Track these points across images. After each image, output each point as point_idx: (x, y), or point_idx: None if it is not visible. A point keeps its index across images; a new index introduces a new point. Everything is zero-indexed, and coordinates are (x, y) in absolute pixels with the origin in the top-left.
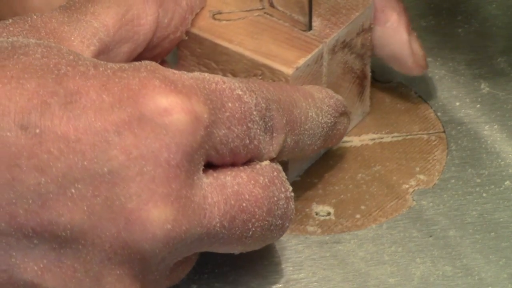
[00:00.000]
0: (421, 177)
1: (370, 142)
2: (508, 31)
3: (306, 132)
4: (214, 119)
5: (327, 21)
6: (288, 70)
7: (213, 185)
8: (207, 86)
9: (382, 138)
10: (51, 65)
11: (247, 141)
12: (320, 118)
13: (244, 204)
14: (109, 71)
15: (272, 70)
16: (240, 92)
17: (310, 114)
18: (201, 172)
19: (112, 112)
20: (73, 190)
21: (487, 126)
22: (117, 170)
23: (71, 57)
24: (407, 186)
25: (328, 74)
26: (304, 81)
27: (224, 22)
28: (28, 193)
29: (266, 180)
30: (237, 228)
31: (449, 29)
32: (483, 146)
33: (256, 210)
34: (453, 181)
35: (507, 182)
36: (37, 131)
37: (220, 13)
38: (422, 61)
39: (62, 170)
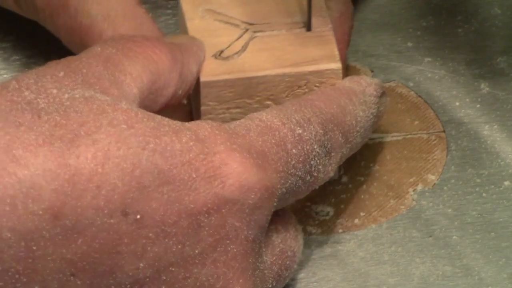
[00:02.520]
0: (421, 177)
1: (370, 142)
2: (508, 31)
3: (358, 133)
4: (284, 180)
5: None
6: (337, 65)
7: (266, 245)
8: (272, 140)
9: (382, 137)
10: (140, 136)
11: (309, 178)
12: (367, 112)
13: (287, 262)
14: (191, 144)
15: (320, 73)
16: (300, 131)
17: (359, 114)
18: (268, 232)
19: (201, 192)
20: (167, 274)
21: (487, 126)
22: (206, 251)
23: (152, 123)
24: (407, 186)
25: None
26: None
27: (234, 56)
28: (127, 278)
29: (293, 229)
30: (279, 284)
31: (449, 29)
32: (483, 146)
33: (294, 265)
34: (453, 181)
35: (507, 182)
36: (138, 216)
37: (221, 51)
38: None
39: (159, 254)
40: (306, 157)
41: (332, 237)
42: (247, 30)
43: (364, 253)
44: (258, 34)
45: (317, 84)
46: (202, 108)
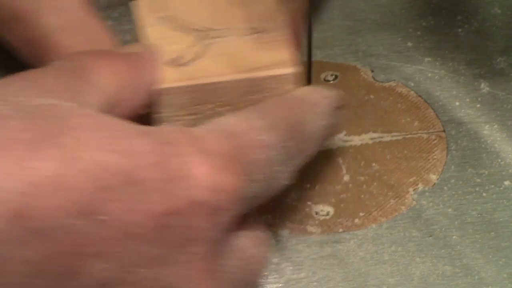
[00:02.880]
0: (421, 176)
1: (370, 142)
2: (508, 31)
3: (313, 143)
4: (250, 184)
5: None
6: (290, 70)
7: (232, 247)
8: (237, 144)
9: (382, 137)
10: (105, 139)
11: (272, 183)
12: (324, 122)
13: (253, 267)
14: (158, 146)
15: (274, 79)
16: (263, 137)
17: (315, 124)
18: (233, 235)
19: (168, 194)
20: (134, 275)
21: (487, 126)
22: (173, 252)
23: (117, 127)
24: (407, 185)
25: None
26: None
27: (190, 63)
28: (92, 280)
29: (261, 234)
30: None
31: (449, 29)
32: (483, 145)
33: (260, 270)
34: (453, 180)
35: (507, 182)
36: (103, 218)
37: (178, 58)
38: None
39: (125, 256)
40: (270, 162)
41: (332, 237)
42: (204, 36)
43: (364, 253)
44: (215, 39)
45: (273, 89)
46: (161, 115)
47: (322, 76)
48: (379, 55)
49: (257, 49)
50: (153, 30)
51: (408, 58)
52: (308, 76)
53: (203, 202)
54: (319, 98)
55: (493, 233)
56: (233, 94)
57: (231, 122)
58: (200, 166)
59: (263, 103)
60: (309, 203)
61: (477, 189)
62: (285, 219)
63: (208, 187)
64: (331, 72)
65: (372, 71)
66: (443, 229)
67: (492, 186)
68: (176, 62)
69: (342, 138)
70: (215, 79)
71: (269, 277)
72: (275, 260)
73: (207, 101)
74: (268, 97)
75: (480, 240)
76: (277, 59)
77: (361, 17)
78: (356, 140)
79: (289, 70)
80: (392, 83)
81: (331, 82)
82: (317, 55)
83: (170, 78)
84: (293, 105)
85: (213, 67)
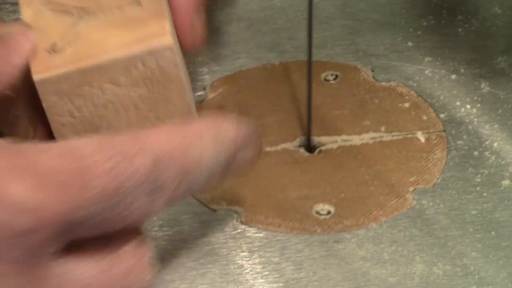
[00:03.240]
0: (421, 176)
1: (371, 141)
2: (508, 31)
3: (203, 173)
4: (79, 208)
5: None
6: (165, 40)
7: (67, 275)
8: (71, 166)
9: (382, 137)
10: None
11: (121, 211)
12: (219, 154)
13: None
14: None
15: (151, 52)
16: (113, 164)
17: (207, 154)
18: (55, 260)
19: None
20: None
21: (487, 126)
22: None
23: None
24: (407, 185)
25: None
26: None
27: (67, 47)
28: None
29: (124, 268)
30: None
31: (449, 29)
32: (483, 145)
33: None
34: (453, 180)
35: (507, 182)
36: None
37: (54, 43)
38: (198, 39)
39: None
40: (117, 190)
41: (332, 236)
42: (80, 17)
43: (365, 252)
44: (91, 19)
45: (154, 64)
46: (44, 104)
47: (323, 76)
48: (380, 55)
49: (132, 24)
50: (31, 14)
51: (408, 58)
52: (308, 76)
53: (2, 222)
54: (220, 126)
55: (493, 232)
56: (113, 73)
57: (82, 143)
58: (6, 183)
59: (143, 129)
60: (309, 202)
61: (477, 188)
62: (286, 219)
63: (9, 206)
64: (331, 72)
65: (373, 70)
66: (444, 228)
67: (492, 185)
68: (52, 48)
69: (342, 138)
70: (91, 62)
71: (269, 276)
72: (276, 259)
73: (88, 83)
74: (152, 74)
75: (480, 240)
76: (152, 32)
77: (362, 17)
78: (357, 139)
79: (164, 40)
80: (393, 83)
81: (332, 82)
82: (317, 55)
83: (46, 66)
84: (178, 132)
85: (89, 48)
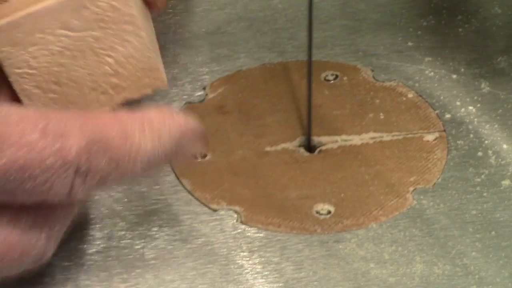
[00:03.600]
0: (422, 176)
1: (371, 141)
2: (509, 31)
3: (137, 164)
4: None
5: None
6: None
7: None
8: None
9: (382, 137)
10: None
11: (31, 187)
12: (159, 147)
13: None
14: None
15: None
16: (34, 137)
17: (146, 145)
18: None
19: None
20: None
21: (487, 126)
22: None
23: None
24: (407, 185)
25: None
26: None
27: None
28: None
29: (29, 221)
30: None
31: (449, 29)
32: (484, 145)
33: (6, 255)
34: (453, 180)
35: (507, 182)
36: None
37: None
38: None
39: None
40: (30, 165)
41: (332, 236)
42: None
43: (365, 252)
44: None
45: (105, 3)
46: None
47: (323, 76)
48: (380, 55)
49: None
50: None
51: (408, 58)
52: (308, 76)
53: None
54: (164, 120)
55: (493, 232)
56: (63, 16)
57: (15, 111)
58: None
59: (89, 112)
60: (309, 202)
61: (477, 188)
62: (286, 219)
63: None
64: (331, 72)
65: (373, 70)
66: (444, 228)
67: (492, 185)
68: None
69: (342, 138)
70: (38, 7)
71: (269, 276)
72: (276, 259)
73: (40, 30)
74: (105, 14)
75: (480, 240)
76: None
77: (362, 17)
78: (357, 139)
79: None
80: (393, 83)
81: (332, 81)
82: (318, 55)
83: None
84: (120, 121)
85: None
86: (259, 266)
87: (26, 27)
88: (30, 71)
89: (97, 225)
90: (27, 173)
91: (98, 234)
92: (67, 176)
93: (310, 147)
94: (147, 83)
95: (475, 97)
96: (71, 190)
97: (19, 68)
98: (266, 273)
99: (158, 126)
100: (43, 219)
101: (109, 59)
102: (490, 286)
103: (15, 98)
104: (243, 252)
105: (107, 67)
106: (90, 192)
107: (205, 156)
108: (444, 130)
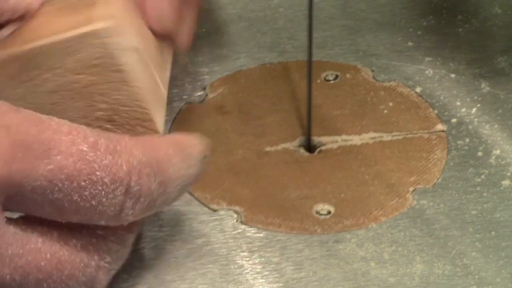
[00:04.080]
0: (422, 176)
1: (371, 141)
2: (509, 31)
3: (177, 187)
4: (27, 180)
5: None
6: (100, 25)
7: (16, 236)
8: (34, 133)
9: (382, 137)
10: None
11: (82, 203)
12: (189, 169)
13: (42, 263)
14: None
15: (91, 35)
16: (84, 148)
17: (182, 169)
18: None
19: None
20: None
21: (487, 126)
22: None
23: None
24: (407, 185)
25: None
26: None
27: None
28: None
29: (78, 244)
30: (29, 285)
31: (449, 29)
32: (484, 145)
33: (55, 272)
34: (453, 180)
35: (507, 182)
36: None
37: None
38: (168, 25)
39: None
40: (77, 175)
41: (332, 236)
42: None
43: (365, 252)
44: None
45: (98, 48)
46: None
47: (323, 76)
48: (380, 55)
49: (80, 6)
50: None
51: (408, 58)
52: (308, 76)
53: None
54: (188, 144)
55: (493, 232)
56: (58, 57)
57: (65, 122)
58: None
59: (139, 136)
60: (309, 202)
61: (477, 188)
62: (286, 219)
63: None
64: (331, 72)
65: (373, 70)
66: (444, 228)
67: (492, 185)
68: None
69: (342, 138)
70: (35, 44)
71: (269, 276)
72: (276, 259)
73: (36, 67)
74: (98, 59)
75: (480, 240)
76: (97, 14)
77: (362, 17)
78: (357, 139)
79: (98, 25)
80: (393, 83)
81: (332, 81)
82: (318, 55)
83: None
84: (162, 144)
85: (35, 32)
86: (259, 266)
87: (22, 62)
88: (25, 105)
89: None
90: (74, 183)
91: None
92: (117, 195)
93: (310, 147)
94: (140, 132)
95: (475, 97)
96: (121, 212)
97: (13, 101)
98: (266, 273)
99: (188, 152)
100: (94, 246)
101: (103, 105)
102: (490, 286)
103: None
104: (243, 252)
105: (101, 113)
106: (140, 217)
107: (205, 156)
108: (444, 130)
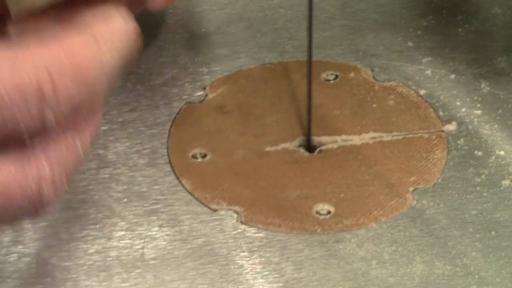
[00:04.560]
0: (422, 176)
1: (371, 141)
2: (509, 31)
3: (102, 78)
4: None
5: None
6: None
7: None
8: None
9: (382, 137)
10: None
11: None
12: (115, 55)
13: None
14: None
15: None
16: None
17: (106, 59)
18: None
19: None
20: None
21: (487, 126)
22: None
23: None
24: (407, 185)
25: None
26: None
27: None
28: None
29: (8, 161)
30: None
31: (449, 29)
32: (484, 145)
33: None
34: (453, 180)
35: (507, 182)
36: None
37: None
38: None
39: None
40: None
41: (332, 236)
42: None
43: (365, 252)
44: None
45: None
46: None
47: (323, 76)
48: (380, 55)
49: None
50: None
51: (408, 58)
52: (308, 76)
53: None
54: (109, 25)
55: (493, 232)
56: None
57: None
58: None
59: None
60: (309, 202)
61: (477, 188)
62: (286, 219)
63: None
64: (331, 72)
65: (373, 70)
66: (444, 228)
67: (492, 185)
68: None
69: (342, 138)
70: None
71: (269, 276)
72: (276, 259)
73: None
74: None
75: (480, 240)
76: None
77: (362, 17)
78: (357, 139)
79: None
80: (393, 83)
81: (332, 81)
82: (318, 55)
83: None
84: (80, 40)
85: None
86: (259, 266)
87: None
88: None
89: (97, 225)
90: None
91: (98, 234)
92: (30, 105)
93: (310, 147)
94: None
95: (475, 97)
96: (43, 121)
97: None
98: (266, 273)
99: (109, 37)
100: (26, 158)
101: None
102: (490, 286)
103: None
104: (243, 252)
105: None
106: (69, 113)
107: (205, 156)
108: (444, 130)
